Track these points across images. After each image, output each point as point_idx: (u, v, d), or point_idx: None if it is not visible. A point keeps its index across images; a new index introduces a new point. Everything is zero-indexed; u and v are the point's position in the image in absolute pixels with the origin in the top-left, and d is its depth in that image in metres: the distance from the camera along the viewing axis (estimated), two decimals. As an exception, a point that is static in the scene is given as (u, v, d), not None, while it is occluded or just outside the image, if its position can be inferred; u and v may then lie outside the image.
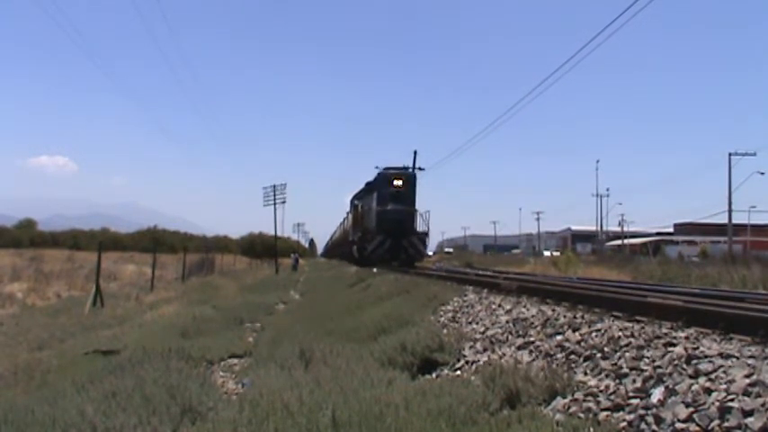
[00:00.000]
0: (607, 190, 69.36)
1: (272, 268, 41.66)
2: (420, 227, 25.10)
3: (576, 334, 4.61)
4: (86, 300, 16.48)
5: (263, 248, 64.46)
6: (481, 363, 4.76)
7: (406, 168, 26.06)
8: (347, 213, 39.99)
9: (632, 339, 4.04)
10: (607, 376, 3.63)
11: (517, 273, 17.24)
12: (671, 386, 3.11)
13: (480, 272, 17.91)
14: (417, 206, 25.43)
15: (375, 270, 20.62)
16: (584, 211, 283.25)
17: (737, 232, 50.57)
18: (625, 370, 3.56)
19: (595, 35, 23.99)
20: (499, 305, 6.95)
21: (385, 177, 25.42)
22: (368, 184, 28.41)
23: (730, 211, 43.92)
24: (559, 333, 4.82)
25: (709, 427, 2.69)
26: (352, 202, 35.39)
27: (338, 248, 49.74)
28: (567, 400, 3.48)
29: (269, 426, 3.51)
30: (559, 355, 4.32)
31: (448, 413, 3.45)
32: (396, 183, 24.95)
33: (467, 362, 5.00)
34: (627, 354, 3.79)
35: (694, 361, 3.34)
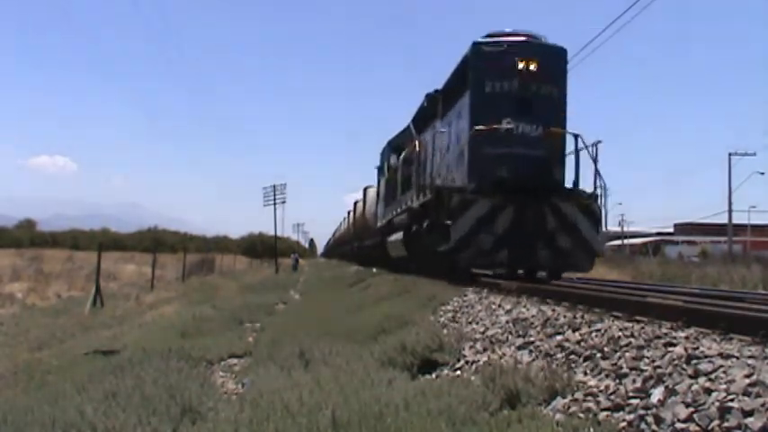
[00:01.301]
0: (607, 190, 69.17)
1: (272, 268, 41.70)
2: (583, 180, 10.66)
3: (576, 334, 4.61)
4: (86, 300, 16.51)
5: (263, 249, 64.53)
6: (481, 363, 4.75)
7: (536, 38, 10.80)
8: (358, 201, 30.39)
9: (632, 339, 4.04)
10: (607, 376, 3.63)
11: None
12: (671, 386, 3.11)
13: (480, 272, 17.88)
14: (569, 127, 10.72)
15: (374, 270, 20.59)
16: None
17: (737, 232, 50.59)
18: (625, 370, 3.56)
19: (596, 35, 24.07)
20: (499, 305, 6.95)
21: (490, 57, 10.47)
22: (429, 97, 13.37)
23: (730, 211, 43.96)
24: (559, 333, 4.82)
25: (709, 427, 2.69)
26: (384, 154, 20.63)
27: (345, 246, 44.80)
28: (566, 400, 3.48)
29: (269, 426, 3.51)
30: (559, 355, 4.32)
31: (448, 413, 3.45)
32: (524, 67, 10.31)
33: (467, 362, 4.99)
34: (627, 354, 3.79)
35: (694, 361, 3.34)
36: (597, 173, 10.49)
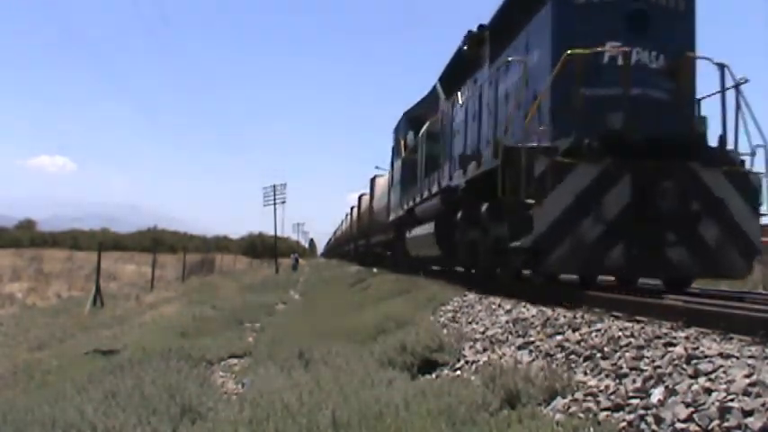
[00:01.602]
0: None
1: (272, 268, 41.72)
2: (731, 139, 6.82)
3: (576, 334, 4.61)
4: (86, 300, 16.53)
5: (263, 249, 64.64)
6: (481, 363, 4.76)
7: None
8: (363, 194, 28.27)
9: (632, 339, 4.04)
10: (607, 376, 3.63)
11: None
12: (671, 386, 3.11)
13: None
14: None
15: (375, 270, 20.60)
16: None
17: (737, 232, 50.48)
18: (625, 370, 3.56)
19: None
20: (499, 305, 6.95)
21: None
22: (470, 37, 9.55)
23: (730, 211, 43.88)
24: (559, 333, 4.83)
25: (709, 427, 2.69)
26: (398, 131, 17.47)
27: (346, 245, 43.81)
28: (566, 400, 3.48)
29: (269, 426, 3.51)
30: (559, 355, 4.32)
31: (448, 413, 3.45)
32: None
33: (467, 362, 5.00)
34: (627, 354, 3.79)
35: (694, 361, 3.34)
36: (754, 123, 6.76)
